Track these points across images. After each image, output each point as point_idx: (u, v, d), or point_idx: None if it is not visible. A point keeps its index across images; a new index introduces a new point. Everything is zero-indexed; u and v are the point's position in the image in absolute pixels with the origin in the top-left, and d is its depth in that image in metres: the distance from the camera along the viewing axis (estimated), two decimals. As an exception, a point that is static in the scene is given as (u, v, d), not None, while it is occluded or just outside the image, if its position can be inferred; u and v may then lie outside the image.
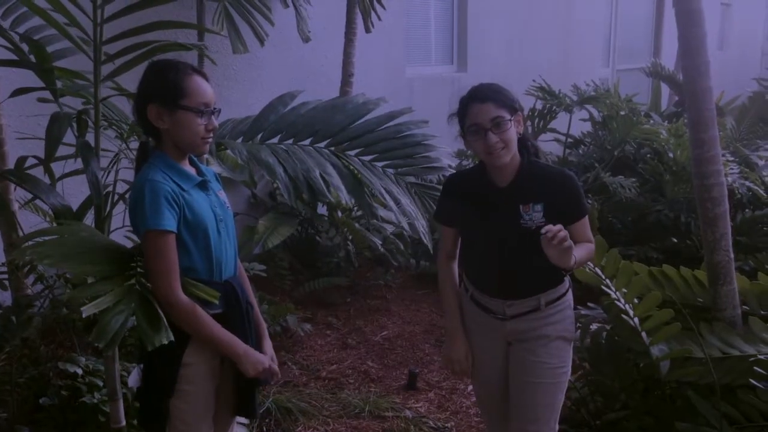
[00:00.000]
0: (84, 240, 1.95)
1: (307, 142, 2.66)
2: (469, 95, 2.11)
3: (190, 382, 1.89)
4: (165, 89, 1.83)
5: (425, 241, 2.67)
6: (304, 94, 2.82)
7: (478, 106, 2.06)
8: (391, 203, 2.53)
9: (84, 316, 1.62)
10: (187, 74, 1.85)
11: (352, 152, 2.68)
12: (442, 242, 2.34)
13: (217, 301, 1.83)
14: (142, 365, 1.97)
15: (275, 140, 2.63)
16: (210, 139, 1.91)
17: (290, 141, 2.64)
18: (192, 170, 1.95)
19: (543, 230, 1.90)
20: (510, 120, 2.05)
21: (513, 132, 2.07)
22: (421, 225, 2.62)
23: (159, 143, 1.91)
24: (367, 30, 4.71)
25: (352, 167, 2.60)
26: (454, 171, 2.64)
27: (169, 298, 1.78)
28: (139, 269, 1.83)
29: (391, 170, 2.72)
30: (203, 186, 1.94)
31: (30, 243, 1.90)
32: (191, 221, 1.84)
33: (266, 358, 1.97)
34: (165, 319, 1.74)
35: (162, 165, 1.86)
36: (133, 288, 1.77)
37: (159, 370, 1.90)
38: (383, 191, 2.54)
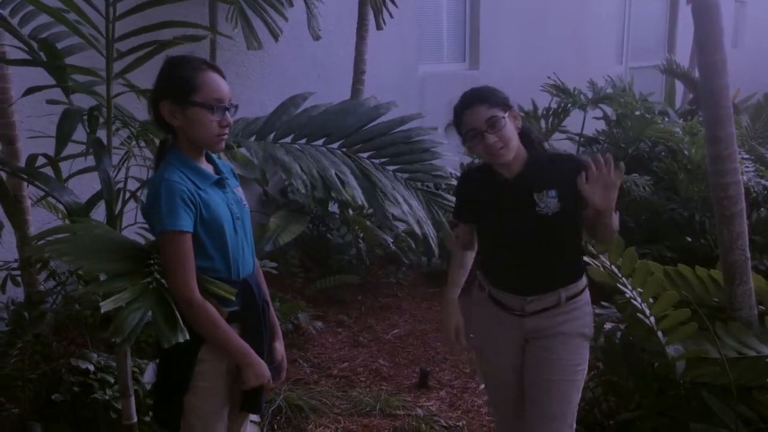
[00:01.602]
0: (99, 237, 1.95)
1: (319, 143, 2.66)
2: (461, 103, 2.14)
3: (205, 378, 1.89)
4: (176, 85, 1.81)
5: (433, 246, 2.67)
6: (316, 92, 2.81)
7: (470, 111, 2.08)
8: (405, 206, 2.53)
9: (102, 311, 1.63)
10: (200, 69, 1.82)
11: (364, 155, 2.69)
12: (459, 236, 2.35)
13: (234, 299, 1.83)
14: (156, 362, 1.96)
15: (287, 140, 2.63)
16: (225, 136, 1.88)
17: (303, 141, 2.64)
18: (209, 167, 1.93)
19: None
20: (504, 117, 2.06)
21: (510, 128, 2.07)
22: (430, 230, 2.62)
23: (175, 141, 1.89)
24: (379, 27, 4.70)
25: (364, 169, 2.59)
26: (458, 175, 2.64)
27: (186, 296, 1.77)
28: (155, 267, 1.83)
29: (400, 174, 2.72)
30: (220, 184, 1.93)
31: (46, 240, 1.90)
32: (208, 220, 1.83)
33: (269, 372, 1.95)
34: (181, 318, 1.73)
35: (178, 163, 1.85)
36: (150, 286, 1.76)
37: (174, 366, 1.90)
38: (395, 194, 2.54)
